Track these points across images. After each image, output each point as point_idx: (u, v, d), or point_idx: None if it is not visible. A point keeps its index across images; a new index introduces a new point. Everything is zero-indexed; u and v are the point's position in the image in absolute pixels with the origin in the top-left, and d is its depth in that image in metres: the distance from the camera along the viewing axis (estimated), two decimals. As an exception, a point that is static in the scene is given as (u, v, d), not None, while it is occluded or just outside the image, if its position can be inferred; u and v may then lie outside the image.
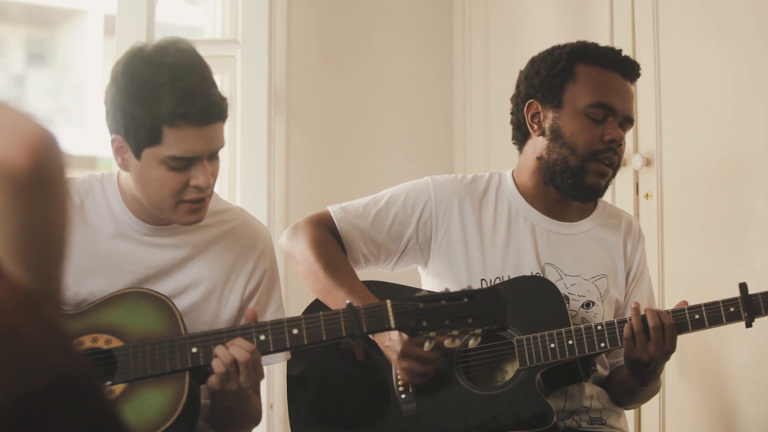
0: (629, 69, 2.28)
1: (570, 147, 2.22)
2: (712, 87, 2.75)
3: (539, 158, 2.27)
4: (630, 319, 2.08)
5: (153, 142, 1.87)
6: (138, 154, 1.90)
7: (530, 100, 2.28)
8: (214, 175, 1.94)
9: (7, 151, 1.02)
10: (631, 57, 2.30)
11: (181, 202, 1.93)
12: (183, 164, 1.89)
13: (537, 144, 2.28)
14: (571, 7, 3.20)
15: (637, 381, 2.16)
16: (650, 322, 2.05)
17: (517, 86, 2.34)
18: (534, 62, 2.32)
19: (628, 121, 2.26)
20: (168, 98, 1.84)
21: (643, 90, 2.89)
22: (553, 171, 2.25)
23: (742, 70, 2.69)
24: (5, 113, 1.05)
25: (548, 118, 2.26)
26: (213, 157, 1.93)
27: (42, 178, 1.04)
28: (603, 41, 2.36)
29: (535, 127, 2.28)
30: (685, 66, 2.82)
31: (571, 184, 2.23)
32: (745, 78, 2.69)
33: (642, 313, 2.08)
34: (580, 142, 2.21)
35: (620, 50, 2.30)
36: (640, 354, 2.07)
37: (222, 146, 1.94)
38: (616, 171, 2.26)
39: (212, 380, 1.85)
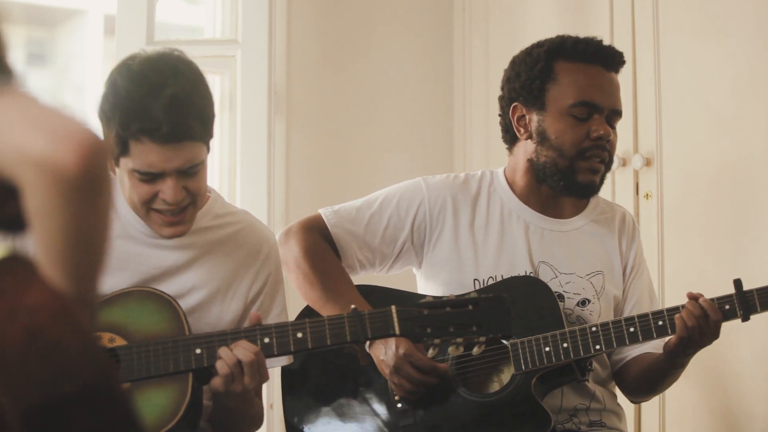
0: (611, 59, 2.22)
1: (557, 149, 2.18)
2: (712, 87, 2.75)
3: (529, 160, 2.24)
4: (665, 312, 2.06)
5: (122, 152, 1.88)
6: (116, 161, 1.92)
7: (514, 104, 2.24)
8: (192, 189, 1.92)
9: (57, 151, 1.03)
10: (623, 52, 2.25)
11: (151, 210, 1.93)
12: (147, 178, 1.89)
13: (526, 147, 2.24)
14: (571, 7, 3.20)
15: (677, 365, 2.14)
16: (712, 315, 2.03)
17: (502, 88, 2.30)
18: (514, 63, 2.27)
19: (616, 114, 2.21)
20: (138, 112, 1.84)
21: (643, 90, 2.89)
22: (543, 173, 2.22)
23: (742, 70, 2.69)
24: (56, 116, 1.06)
25: (533, 121, 2.22)
26: (187, 173, 1.90)
27: (89, 180, 1.06)
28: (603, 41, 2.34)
29: (522, 130, 2.24)
30: (685, 66, 2.82)
31: (563, 185, 2.20)
32: (745, 78, 2.69)
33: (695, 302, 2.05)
34: (567, 143, 2.17)
35: (600, 40, 2.23)
36: (696, 342, 2.05)
37: (195, 164, 1.90)
38: (608, 166, 2.22)
39: (216, 382, 1.84)
